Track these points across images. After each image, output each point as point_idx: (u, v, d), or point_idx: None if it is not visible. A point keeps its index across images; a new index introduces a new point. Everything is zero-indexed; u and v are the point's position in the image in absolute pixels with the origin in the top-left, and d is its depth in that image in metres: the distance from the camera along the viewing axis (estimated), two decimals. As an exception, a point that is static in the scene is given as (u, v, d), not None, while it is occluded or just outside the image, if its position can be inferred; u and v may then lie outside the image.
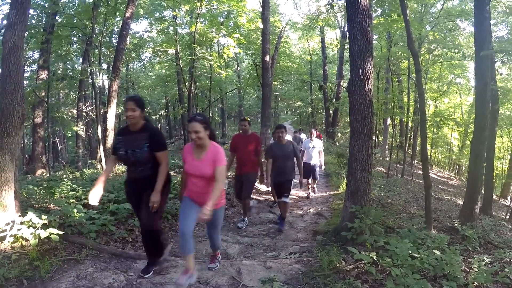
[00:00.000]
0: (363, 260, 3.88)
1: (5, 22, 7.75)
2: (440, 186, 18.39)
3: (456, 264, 3.78)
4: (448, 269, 3.73)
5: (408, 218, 7.44)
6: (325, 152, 16.06)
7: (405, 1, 7.08)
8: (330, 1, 18.75)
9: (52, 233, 4.10)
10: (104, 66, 19.48)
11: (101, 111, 13.61)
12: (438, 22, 16.35)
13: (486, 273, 3.73)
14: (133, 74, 31.85)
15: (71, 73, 19.26)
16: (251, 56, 23.28)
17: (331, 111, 28.84)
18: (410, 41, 6.61)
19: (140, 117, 3.82)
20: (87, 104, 18.93)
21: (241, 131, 6.97)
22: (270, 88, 16.27)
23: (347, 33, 5.60)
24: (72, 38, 16.77)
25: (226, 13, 19.18)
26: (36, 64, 15.96)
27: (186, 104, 18.26)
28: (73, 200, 5.53)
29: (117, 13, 15.27)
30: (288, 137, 9.65)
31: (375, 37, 17.86)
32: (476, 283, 3.70)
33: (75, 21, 13.52)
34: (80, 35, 15.09)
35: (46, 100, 13.76)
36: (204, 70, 20.21)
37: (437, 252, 3.96)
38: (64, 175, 9.13)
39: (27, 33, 10.36)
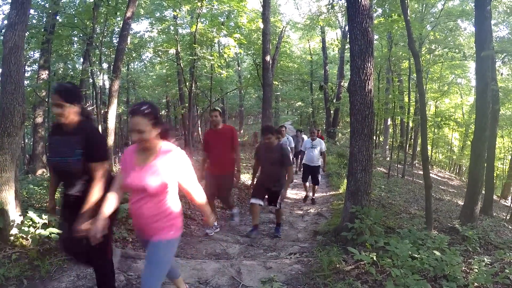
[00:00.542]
0: (363, 261, 3.88)
1: (5, 22, 7.75)
2: (440, 186, 18.38)
3: (456, 265, 3.77)
4: (448, 270, 3.73)
5: (408, 218, 7.45)
6: (326, 152, 16.07)
7: (406, 1, 7.09)
8: (331, 1, 18.72)
9: (53, 233, 4.10)
10: (105, 66, 19.50)
11: (102, 111, 13.61)
12: (439, 22, 16.38)
13: (486, 274, 3.72)
14: (133, 74, 31.82)
15: (71, 73, 19.25)
16: (251, 56, 23.25)
17: (331, 111, 28.85)
18: (411, 41, 6.60)
19: (72, 114, 2.87)
20: (87, 104, 18.86)
21: (211, 125, 6.20)
22: (270, 88, 16.25)
23: (348, 33, 5.60)
24: (73, 38, 16.76)
25: (226, 13, 19.17)
26: (36, 64, 15.96)
27: (187, 104, 18.25)
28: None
29: (118, 13, 15.26)
30: (289, 138, 9.71)
31: (375, 37, 17.85)
32: (476, 284, 3.70)
33: (75, 21, 13.51)
34: (81, 35, 15.08)
35: (47, 100, 13.75)
36: (205, 70, 20.15)
37: (437, 253, 3.95)
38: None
39: (27, 33, 10.36)
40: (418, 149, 22.04)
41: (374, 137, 17.94)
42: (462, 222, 7.21)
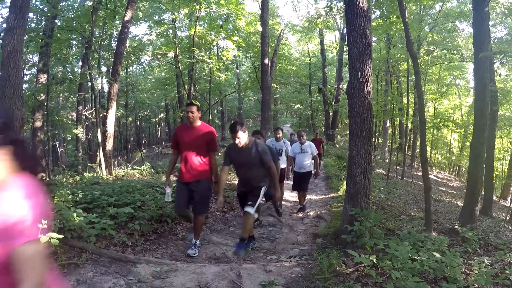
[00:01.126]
0: (363, 263, 3.88)
1: (4, 25, 7.76)
2: (440, 187, 18.40)
3: (456, 266, 3.77)
4: (448, 272, 3.73)
5: (408, 220, 7.45)
6: (325, 154, 16.09)
7: (404, 3, 7.10)
8: (329, 3, 18.81)
9: (52, 237, 4.08)
10: (104, 69, 19.57)
11: (101, 115, 13.62)
12: (437, 23, 16.42)
13: (486, 275, 3.72)
14: (132, 77, 31.87)
15: (70, 76, 19.24)
16: (250, 59, 23.33)
17: (330, 114, 28.89)
18: (409, 43, 6.62)
19: None
20: (86, 108, 18.96)
21: (187, 121, 5.12)
22: (269, 90, 16.28)
23: (346, 35, 5.61)
24: (72, 41, 16.78)
25: (225, 16, 19.22)
26: (35, 68, 15.97)
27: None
28: (73, 204, 5.52)
29: (117, 17, 15.29)
30: (286, 143, 9.20)
31: (374, 38, 17.90)
32: (476, 285, 3.69)
33: (74, 25, 13.53)
34: (80, 38, 15.09)
35: (45, 103, 13.73)
36: (204, 73, 20.23)
37: (437, 255, 3.95)
38: (64, 179, 9.12)
39: (26, 36, 10.37)
40: (417, 150, 22.07)
41: (373, 139, 17.97)
42: (461, 223, 7.21)
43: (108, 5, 14.54)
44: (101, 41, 14.36)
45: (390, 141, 24.01)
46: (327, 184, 12.79)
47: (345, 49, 21.76)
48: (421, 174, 8.78)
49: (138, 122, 36.46)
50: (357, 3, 5.13)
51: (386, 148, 24.17)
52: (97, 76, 14.18)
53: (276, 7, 29.66)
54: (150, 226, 5.59)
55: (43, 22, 13.95)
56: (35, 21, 13.99)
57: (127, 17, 11.73)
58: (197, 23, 14.72)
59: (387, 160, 20.57)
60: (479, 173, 8.03)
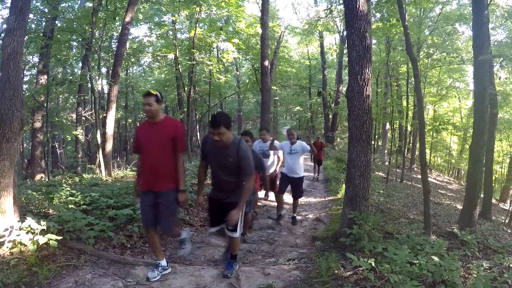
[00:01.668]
0: (361, 267, 3.88)
1: (4, 26, 7.76)
2: (439, 190, 18.40)
3: (455, 270, 3.77)
4: (447, 275, 3.73)
5: (407, 223, 7.45)
6: (325, 157, 16.04)
7: (404, 6, 7.12)
8: (329, 6, 18.85)
9: (51, 239, 4.09)
10: (104, 71, 19.58)
11: (101, 116, 13.63)
12: (437, 26, 16.45)
13: (485, 279, 3.72)
14: (132, 79, 31.91)
15: (70, 77, 19.29)
16: (250, 61, 23.38)
17: (330, 116, 28.90)
18: (409, 46, 6.63)
19: None
20: (86, 109, 18.97)
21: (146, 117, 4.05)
22: (269, 92, 16.31)
23: (346, 38, 5.61)
24: (72, 42, 16.84)
25: (225, 18, 19.29)
26: (35, 69, 15.99)
27: (186, 109, 18.29)
28: (72, 206, 5.52)
29: (117, 18, 15.34)
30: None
31: (374, 41, 17.94)
32: (475, 289, 3.70)
33: (74, 26, 13.55)
34: (80, 39, 15.12)
35: (45, 104, 13.76)
36: (204, 75, 20.23)
37: (436, 258, 3.95)
38: (63, 180, 9.12)
39: (26, 37, 10.38)
40: (417, 153, 22.08)
41: (373, 142, 17.98)
42: (461, 226, 7.22)
43: (109, 7, 14.58)
44: (101, 42, 14.39)
45: (390, 144, 24.07)
46: (326, 187, 12.78)
47: (345, 52, 21.78)
48: (420, 177, 8.78)
49: (138, 124, 36.45)
50: (357, 6, 5.13)
51: (386, 151, 24.21)
52: (97, 77, 14.21)
53: (276, 9, 29.66)
54: (149, 228, 5.59)
55: (43, 23, 13.99)
56: (35, 22, 14.02)
57: (127, 19, 11.75)
58: (197, 25, 14.75)
59: (387, 163, 20.58)
60: (479, 176, 8.04)
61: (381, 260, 4.00)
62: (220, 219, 4.06)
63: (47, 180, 10.98)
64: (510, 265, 4.52)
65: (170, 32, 19.11)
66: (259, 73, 17.46)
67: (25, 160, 17.17)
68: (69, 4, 15.14)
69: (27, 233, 4.17)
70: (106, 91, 20.58)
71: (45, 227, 4.25)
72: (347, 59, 5.58)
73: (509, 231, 9.94)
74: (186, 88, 17.45)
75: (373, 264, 3.81)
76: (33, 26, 13.72)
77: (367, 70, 5.13)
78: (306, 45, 32.61)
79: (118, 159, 23.78)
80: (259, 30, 15.44)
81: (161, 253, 4.20)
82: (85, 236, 4.59)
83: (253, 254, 5.56)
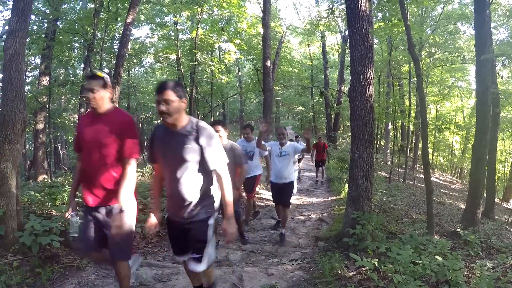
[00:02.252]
0: (365, 267, 3.87)
1: (6, 27, 7.78)
2: (442, 190, 18.36)
3: (458, 270, 3.76)
4: (450, 275, 3.71)
5: (410, 223, 7.43)
6: (327, 158, 15.98)
7: (406, 5, 7.11)
8: (331, 6, 18.83)
9: (54, 240, 4.09)
10: (106, 71, 19.53)
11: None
12: (439, 25, 16.44)
13: (488, 279, 3.70)
14: (134, 79, 31.86)
15: (72, 78, 19.28)
16: (252, 61, 23.34)
17: (332, 116, 28.85)
18: (411, 45, 6.61)
19: None
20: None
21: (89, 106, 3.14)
22: (271, 93, 16.31)
23: (348, 38, 5.60)
24: (74, 44, 16.84)
25: (227, 18, 19.27)
26: (37, 70, 16.03)
27: (188, 110, 18.30)
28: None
29: (118, 19, 15.34)
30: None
31: (376, 41, 17.91)
32: (478, 289, 3.68)
33: (76, 27, 13.58)
34: (82, 40, 15.15)
35: (47, 105, 13.79)
36: (205, 76, 20.23)
37: (439, 258, 3.94)
38: (66, 181, 9.12)
39: (28, 39, 10.40)
40: (419, 152, 22.04)
41: (375, 142, 17.95)
42: (464, 226, 7.19)
43: (110, 8, 14.59)
44: (103, 43, 14.41)
45: (392, 144, 24.02)
46: (329, 187, 12.77)
47: (347, 52, 21.75)
48: (423, 176, 8.76)
49: (140, 124, 36.46)
50: (359, 6, 5.13)
51: (388, 151, 24.15)
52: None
53: (277, 10, 29.62)
54: (151, 229, 5.57)
55: (45, 25, 14.02)
56: (37, 24, 14.06)
57: (129, 20, 11.73)
58: (199, 26, 14.77)
59: (389, 163, 20.56)
60: (481, 175, 8.01)
61: (384, 260, 3.99)
62: (187, 246, 2.87)
63: (49, 181, 10.99)
64: (514, 264, 4.50)
65: (172, 33, 19.11)
66: (261, 73, 17.46)
67: (28, 161, 17.20)
68: (70, 5, 15.19)
69: (30, 234, 4.17)
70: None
71: (47, 228, 4.25)
72: (349, 59, 5.56)
73: (512, 230, 9.91)
74: (188, 89, 17.46)
75: (376, 264, 3.80)
76: (35, 27, 13.76)
77: (369, 70, 5.13)
78: (308, 45, 32.54)
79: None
80: (261, 31, 15.43)
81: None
82: (87, 237, 4.59)
83: (256, 254, 5.55)
